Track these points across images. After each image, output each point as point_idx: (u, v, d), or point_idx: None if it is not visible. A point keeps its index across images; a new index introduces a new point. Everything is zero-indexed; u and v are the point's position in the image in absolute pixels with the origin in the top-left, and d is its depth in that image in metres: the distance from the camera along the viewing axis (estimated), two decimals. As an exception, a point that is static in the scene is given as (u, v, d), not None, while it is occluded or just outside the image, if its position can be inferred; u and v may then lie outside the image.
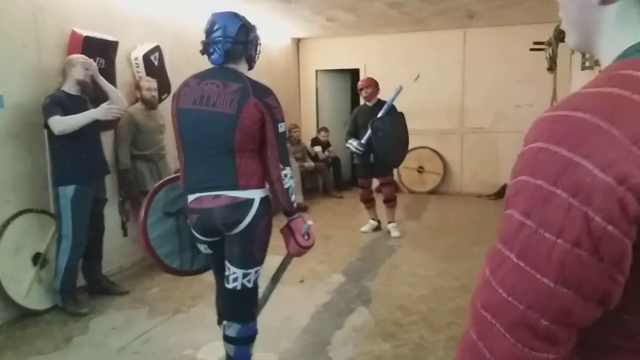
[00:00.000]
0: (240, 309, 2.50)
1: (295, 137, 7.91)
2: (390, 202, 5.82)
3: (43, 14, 3.83)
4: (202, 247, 2.54)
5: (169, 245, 2.64)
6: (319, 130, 8.78)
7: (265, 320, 3.51)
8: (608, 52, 0.72)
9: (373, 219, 6.03)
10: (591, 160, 0.58)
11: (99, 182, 3.93)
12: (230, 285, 2.42)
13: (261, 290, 2.66)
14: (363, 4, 6.09)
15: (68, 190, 3.64)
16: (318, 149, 8.48)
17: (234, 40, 2.34)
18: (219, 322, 2.69)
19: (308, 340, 3.29)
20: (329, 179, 8.47)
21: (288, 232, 2.46)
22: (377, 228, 6.02)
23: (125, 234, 4.69)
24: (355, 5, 6.16)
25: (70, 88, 3.69)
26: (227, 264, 2.43)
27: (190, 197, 2.41)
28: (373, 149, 5.41)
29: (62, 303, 3.71)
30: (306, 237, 2.44)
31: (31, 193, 3.73)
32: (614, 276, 0.61)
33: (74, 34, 3.98)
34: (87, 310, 3.74)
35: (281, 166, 2.34)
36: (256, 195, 2.36)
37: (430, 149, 8.36)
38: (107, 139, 4.47)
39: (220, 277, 2.54)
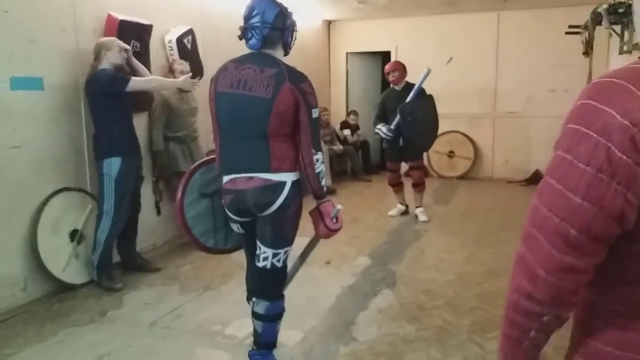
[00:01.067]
0: (269, 287, 2.58)
1: (324, 120, 7.92)
2: (419, 186, 5.80)
3: (80, -1, 3.94)
4: (235, 227, 2.62)
5: (204, 224, 2.73)
6: (348, 114, 8.79)
7: (291, 299, 3.58)
8: None
9: (401, 203, 6.03)
10: (614, 109, 0.79)
11: (137, 159, 4.05)
12: (260, 264, 2.51)
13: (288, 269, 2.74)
14: (395, -14, 6.04)
15: (114, 163, 3.73)
16: (347, 132, 8.49)
17: (271, 26, 2.38)
18: (248, 299, 2.78)
19: (333, 320, 3.36)
20: (357, 162, 8.48)
21: (317, 215, 2.51)
22: (405, 212, 6.01)
23: (158, 213, 4.83)
24: (387, -13, 6.11)
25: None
26: (258, 243, 2.51)
27: (225, 179, 2.48)
28: (402, 133, 5.39)
29: (98, 278, 3.86)
30: (335, 220, 2.49)
31: (69, 172, 3.88)
32: (628, 197, 0.80)
33: (109, 18, 4.08)
34: (120, 285, 3.88)
35: (313, 151, 2.39)
36: (288, 178, 2.41)
37: (462, 133, 8.28)
38: (141, 120, 4.59)
39: (251, 255, 2.62)
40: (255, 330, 2.63)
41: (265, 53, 2.43)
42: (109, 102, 3.70)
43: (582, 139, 0.82)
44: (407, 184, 5.93)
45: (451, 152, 8.36)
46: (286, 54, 2.55)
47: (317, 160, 2.41)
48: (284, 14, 2.44)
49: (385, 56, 8.94)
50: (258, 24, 2.38)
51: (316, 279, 3.88)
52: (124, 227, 4.03)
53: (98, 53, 3.75)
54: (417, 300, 3.62)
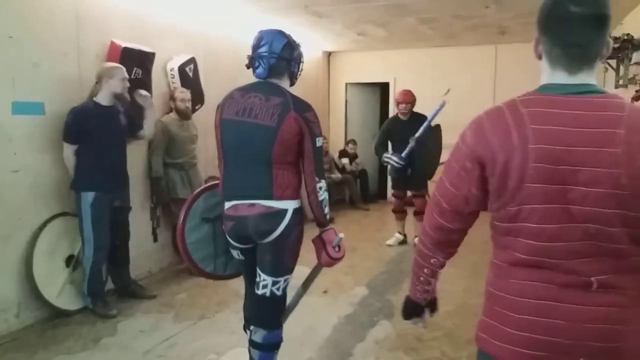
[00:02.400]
0: (267, 316, 2.56)
1: (323, 148, 7.94)
2: (421, 214, 5.59)
3: (84, 25, 3.99)
4: (235, 253, 2.62)
5: (204, 250, 2.72)
6: (347, 143, 8.84)
7: (287, 329, 3.54)
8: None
9: (400, 233, 6.00)
10: (464, 143, 1.36)
11: (119, 192, 3.95)
12: (259, 292, 2.49)
13: (290, 297, 2.71)
14: (394, 19, 6.14)
15: (88, 197, 3.69)
16: (345, 160, 8.52)
17: (278, 56, 2.43)
18: (246, 328, 2.74)
19: (330, 351, 3.31)
20: (355, 191, 8.49)
21: (320, 242, 2.49)
22: (403, 242, 5.99)
23: (155, 239, 4.80)
24: (386, 20, 6.22)
25: (103, 98, 3.76)
26: (258, 271, 2.50)
27: (227, 205, 2.49)
28: (413, 163, 5.42)
29: (92, 305, 3.82)
30: (337, 249, 2.48)
31: (67, 197, 3.86)
32: (471, 189, 1.31)
33: (113, 45, 4.13)
34: (115, 312, 3.83)
35: (317, 179, 2.41)
36: (289, 206, 2.42)
37: (459, 164, 8.29)
38: (140, 147, 4.61)
39: (251, 283, 2.61)
40: (251, 358, 2.60)
41: (272, 82, 2.47)
42: (78, 137, 3.68)
43: (455, 151, 1.41)
44: (409, 213, 5.90)
45: (449, 182, 8.37)
46: (292, 84, 2.60)
47: (321, 188, 2.43)
48: (291, 45, 2.50)
49: (383, 87, 9.05)
50: (265, 54, 2.43)
51: (313, 308, 3.84)
52: (114, 255, 4.01)
53: (100, 79, 3.76)
54: (415, 332, 3.57)
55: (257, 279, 2.50)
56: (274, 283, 2.47)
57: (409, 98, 5.66)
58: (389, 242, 5.97)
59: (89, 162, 3.71)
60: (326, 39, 7.58)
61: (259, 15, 5.77)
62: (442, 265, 1.47)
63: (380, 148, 5.70)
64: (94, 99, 3.76)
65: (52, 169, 3.77)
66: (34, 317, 3.64)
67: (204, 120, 5.37)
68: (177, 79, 4.86)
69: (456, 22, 6.32)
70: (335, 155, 8.56)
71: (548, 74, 1.27)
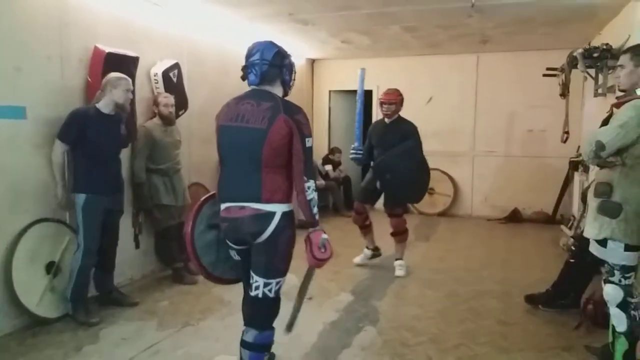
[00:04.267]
0: (259, 316, 2.60)
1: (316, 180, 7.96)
2: (398, 235, 5.15)
3: (68, 29, 3.95)
4: (232, 253, 2.71)
5: (210, 255, 2.77)
6: (332, 151, 8.87)
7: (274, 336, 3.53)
8: None
9: (368, 247, 5.42)
10: None
11: (111, 195, 3.93)
12: (252, 293, 2.55)
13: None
14: (378, 27, 6.20)
15: (79, 198, 3.72)
16: (329, 167, 8.54)
17: (269, 63, 2.54)
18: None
19: (316, 358, 3.30)
20: (339, 198, 8.51)
21: (307, 243, 2.52)
22: (375, 256, 5.44)
23: (137, 246, 4.74)
24: (371, 28, 6.27)
25: (105, 106, 3.77)
26: (251, 272, 2.56)
27: (222, 206, 2.59)
28: (382, 175, 4.89)
29: (73, 312, 3.75)
30: (323, 249, 2.49)
31: (49, 202, 3.80)
32: None
33: (96, 50, 4.09)
34: (97, 320, 3.76)
35: (305, 179, 2.46)
36: (278, 209, 2.49)
37: (441, 171, 8.37)
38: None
39: (247, 283, 2.66)
40: (241, 358, 2.62)
41: (264, 89, 2.57)
42: (73, 138, 3.68)
43: None
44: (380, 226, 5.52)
45: (431, 189, 8.41)
46: (285, 93, 2.67)
47: (309, 188, 2.46)
48: (281, 54, 2.61)
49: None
50: (257, 61, 2.54)
51: (299, 315, 3.81)
52: (101, 260, 3.95)
53: (104, 87, 3.78)
54: (400, 337, 3.58)
55: (251, 281, 2.55)
56: (266, 285, 2.52)
57: (392, 97, 5.04)
58: (356, 260, 5.41)
59: (85, 165, 3.73)
60: (310, 46, 7.61)
61: (244, 22, 5.78)
62: None
63: (366, 157, 5.16)
64: (96, 105, 3.77)
65: (33, 174, 3.71)
66: (12, 325, 3.55)
67: (188, 125, 5.36)
68: (160, 84, 4.83)
69: (439, 31, 6.39)
70: (319, 162, 8.57)
71: None
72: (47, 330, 3.61)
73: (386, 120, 5.15)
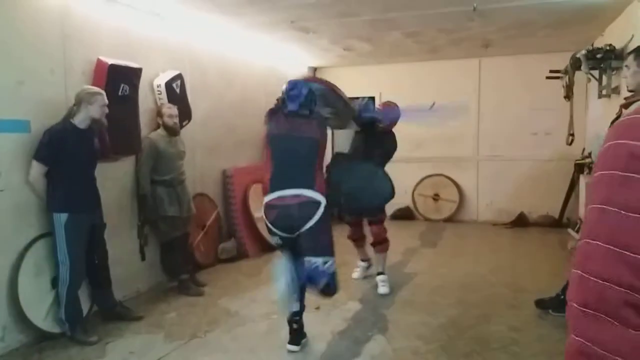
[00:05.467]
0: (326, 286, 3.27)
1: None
2: (379, 244, 4.87)
3: (70, 42, 3.95)
4: (275, 239, 3.33)
5: None
6: (334, 157, 8.83)
7: (281, 347, 3.50)
8: None
9: (363, 260, 5.23)
10: None
11: (93, 211, 3.85)
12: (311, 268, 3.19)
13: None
14: (380, 33, 6.19)
15: (62, 217, 3.59)
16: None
17: (305, 97, 3.36)
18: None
19: (325, 368, 3.26)
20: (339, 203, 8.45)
21: None
22: (369, 266, 5.25)
23: (143, 258, 4.72)
24: (372, 35, 6.26)
25: (80, 122, 3.66)
26: (306, 258, 3.19)
27: (272, 196, 3.23)
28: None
29: (71, 332, 3.66)
30: None
31: (50, 219, 3.75)
32: None
33: (99, 62, 4.09)
34: (95, 339, 3.67)
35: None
36: (323, 200, 3.22)
37: (446, 176, 8.34)
38: (127, 164, 4.55)
39: (292, 260, 3.27)
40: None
41: (302, 113, 3.36)
42: (52, 158, 3.57)
43: (624, 184, 0.68)
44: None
45: (436, 195, 8.41)
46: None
47: None
48: (312, 91, 3.44)
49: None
50: (296, 95, 3.35)
51: (307, 324, 3.77)
52: (95, 277, 3.91)
53: (80, 101, 3.65)
54: (411, 345, 3.54)
55: (308, 264, 3.17)
56: (324, 263, 3.16)
57: (390, 108, 4.83)
58: (354, 275, 5.21)
59: (62, 183, 3.60)
60: (312, 54, 7.61)
61: (246, 31, 5.78)
62: None
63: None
64: (72, 120, 3.65)
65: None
66: (19, 341, 3.53)
67: (192, 136, 5.35)
68: (164, 95, 4.83)
69: (441, 36, 6.38)
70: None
71: None
72: (53, 345, 3.58)
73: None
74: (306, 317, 3.91)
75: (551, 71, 6.37)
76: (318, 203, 3.18)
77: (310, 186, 3.19)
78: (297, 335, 3.49)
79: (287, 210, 3.16)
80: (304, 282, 3.30)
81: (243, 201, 6.25)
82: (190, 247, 5.05)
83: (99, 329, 3.85)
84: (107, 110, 3.77)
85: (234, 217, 6.15)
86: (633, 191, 0.65)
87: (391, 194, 4.46)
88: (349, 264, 5.45)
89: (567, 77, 5.86)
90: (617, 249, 0.65)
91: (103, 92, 3.78)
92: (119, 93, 4.09)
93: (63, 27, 3.90)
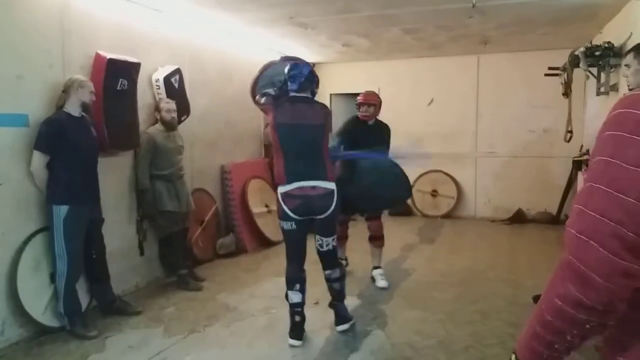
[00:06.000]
0: (334, 259, 3.65)
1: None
2: (377, 240, 4.94)
3: (69, 36, 3.94)
4: (289, 225, 3.43)
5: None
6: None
7: (280, 342, 3.51)
8: None
9: (341, 259, 4.76)
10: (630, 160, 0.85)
11: (93, 205, 3.85)
12: (324, 249, 3.55)
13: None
14: (378, 30, 6.18)
15: (61, 210, 3.59)
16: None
17: (306, 77, 3.45)
18: (291, 289, 3.55)
19: (324, 362, 3.27)
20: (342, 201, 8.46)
21: None
22: (347, 265, 5.13)
23: (142, 253, 4.72)
24: (371, 31, 6.26)
25: (72, 109, 3.67)
26: (318, 237, 3.53)
27: (291, 186, 3.35)
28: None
29: (70, 326, 3.66)
30: None
31: (49, 212, 3.76)
32: None
33: (98, 57, 4.08)
34: (95, 333, 3.68)
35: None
36: (335, 187, 3.41)
37: (444, 172, 8.36)
38: (125, 159, 4.54)
39: (300, 248, 3.54)
40: (335, 289, 3.69)
41: (304, 96, 3.47)
42: (53, 147, 3.57)
43: (629, 144, 0.84)
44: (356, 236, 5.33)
45: (434, 191, 8.42)
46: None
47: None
48: (313, 72, 3.56)
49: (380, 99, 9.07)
50: (297, 74, 3.44)
51: (306, 320, 3.79)
52: (93, 271, 3.92)
53: (69, 88, 3.66)
54: (409, 340, 3.55)
55: (319, 242, 3.54)
56: (333, 239, 3.54)
57: (372, 98, 4.87)
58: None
59: (63, 174, 3.61)
60: (311, 50, 7.60)
61: (245, 26, 5.77)
62: (603, 331, 0.93)
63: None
64: (64, 109, 3.67)
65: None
66: (18, 335, 3.53)
67: (190, 131, 5.34)
68: (162, 90, 4.82)
69: (440, 33, 6.38)
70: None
71: None
72: (52, 339, 3.59)
73: (368, 122, 4.89)
74: (305, 312, 3.92)
75: (550, 68, 6.38)
76: (333, 192, 3.38)
77: (324, 177, 3.35)
78: (299, 328, 3.54)
79: (308, 200, 3.34)
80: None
81: (241, 196, 6.25)
82: (188, 242, 5.06)
83: (99, 323, 3.86)
84: (94, 98, 3.78)
85: (233, 213, 6.15)
86: (634, 150, 0.84)
87: (409, 195, 5.01)
88: (348, 260, 5.46)
89: (566, 74, 5.86)
90: (615, 192, 0.84)
91: (90, 82, 3.80)
92: (118, 87, 4.08)
93: (62, 22, 3.89)
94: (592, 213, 0.86)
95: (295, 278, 3.54)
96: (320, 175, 3.36)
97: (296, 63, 3.53)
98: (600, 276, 0.84)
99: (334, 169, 3.53)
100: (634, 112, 0.86)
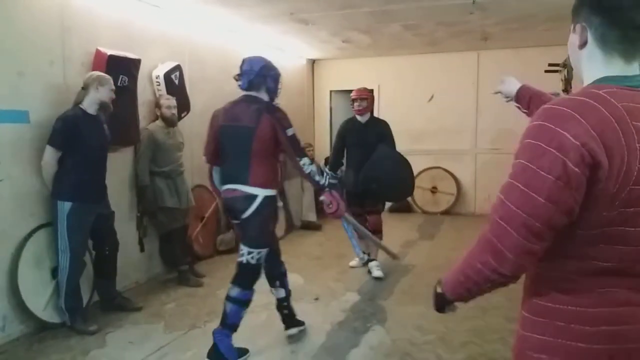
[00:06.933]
0: (242, 278, 3.20)
1: (309, 155, 7.97)
2: (376, 233, 4.88)
3: (70, 33, 3.94)
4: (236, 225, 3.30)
5: None
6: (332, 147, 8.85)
7: (281, 337, 3.53)
8: (586, 80, 1.19)
9: (363, 252, 4.87)
10: (568, 133, 1.03)
11: (99, 201, 3.85)
12: (239, 259, 3.20)
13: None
14: (379, 26, 6.18)
15: (65, 206, 3.59)
16: (329, 166, 8.51)
17: (256, 74, 3.16)
18: (272, 285, 3.51)
19: (324, 358, 3.28)
20: (342, 197, 8.47)
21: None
22: (369, 260, 5.17)
23: (142, 249, 4.73)
24: (371, 27, 6.25)
25: (89, 106, 3.68)
26: (240, 244, 3.23)
27: (224, 187, 3.22)
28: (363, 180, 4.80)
29: (70, 321, 3.67)
30: (330, 206, 3.21)
31: (53, 207, 3.78)
32: (576, 198, 1.05)
33: (98, 53, 4.08)
34: (95, 328, 3.69)
35: (297, 158, 3.11)
36: (260, 192, 3.09)
37: (444, 169, 8.36)
38: (126, 155, 4.55)
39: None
40: (224, 311, 3.18)
41: (251, 95, 3.20)
42: (66, 144, 3.58)
43: (544, 154, 1.05)
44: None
45: (434, 187, 8.43)
46: (271, 99, 3.22)
47: (304, 164, 3.11)
48: (267, 66, 3.22)
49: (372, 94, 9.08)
50: (247, 71, 3.18)
51: (305, 315, 3.80)
52: (101, 266, 3.93)
53: (89, 85, 3.67)
54: (409, 336, 3.57)
55: (240, 250, 3.19)
56: (249, 253, 3.14)
57: (364, 93, 5.06)
58: (352, 263, 5.32)
59: (72, 171, 3.61)
60: (311, 46, 7.60)
61: (245, 22, 5.77)
62: (507, 285, 1.19)
63: (336, 153, 5.21)
64: (81, 106, 3.68)
65: (37, 178, 3.69)
66: (19, 331, 3.55)
67: (190, 127, 5.34)
68: (162, 87, 4.82)
69: (440, 29, 6.38)
70: (322, 163, 8.54)
71: (601, 63, 1.15)
72: (53, 335, 3.60)
73: (359, 118, 5.08)
74: (305, 308, 3.95)
75: (550, 64, 6.37)
76: (253, 196, 3.07)
77: (243, 181, 3.08)
78: (290, 319, 3.58)
79: (230, 202, 3.19)
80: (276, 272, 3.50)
81: (242, 193, 6.25)
82: (189, 238, 5.07)
83: (99, 319, 3.87)
84: (114, 96, 3.79)
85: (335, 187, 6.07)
86: (547, 159, 1.04)
87: (411, 192, 5.28)
88: (346, 255, 5.48)
89: (566, 70, 5.86)
90: (529, 192, 1.06)
91: (111, 78, 3.81)
92: (118, 84, 4.08)
93: (62, 19, 3.89)
94: (510, 205, 1.09)
95: (275, 274, 3.50)
96: (242, 179, 3.09)
97: (248, 58, 3.25)
98: (512, 254, 1.08)
99: (267, 174, 3.12)
100: (551, 127, 1.05)
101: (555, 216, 1.06)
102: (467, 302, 1.35)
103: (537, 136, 1.07)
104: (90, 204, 3.73)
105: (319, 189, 3.23)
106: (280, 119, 3.08)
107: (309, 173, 3.11)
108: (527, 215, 1.06)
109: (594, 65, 1.17)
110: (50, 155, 3.58)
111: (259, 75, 3.17)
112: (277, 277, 3.51)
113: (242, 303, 3.19)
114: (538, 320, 1.21)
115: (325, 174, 3.22)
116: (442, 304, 1.41)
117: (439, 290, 1.38)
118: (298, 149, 3.11)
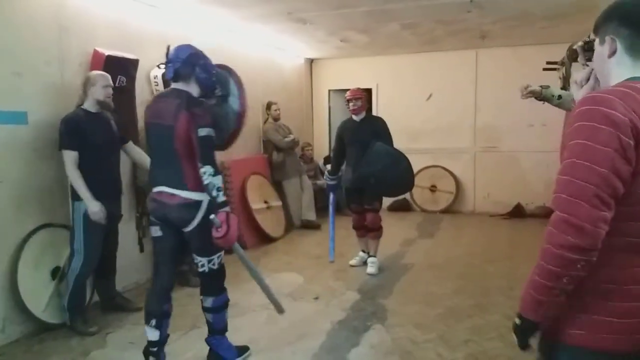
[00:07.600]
0: (211, 286, 3.07)
1: (308, 155, 7.98)
2: (374, 231, 5.13)
3: (67, 33, 3.94)
4: (155, 230, 2.95)
5: None
6: (332, 149, 8.85)
7: (280, 335, 3.53)
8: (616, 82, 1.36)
9: (363, 251, 5.39)
10: (617, 111, 1.21)
11: (114, 201, 3.89)
12: (200, 270, 3.01)
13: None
14: (377, 25, 6.18)
15: (82, 206, 3.61)
16: (330, 167, 8.50)
17: (182, 62, 2.82)
18: (147, 322, 3.04)
19: (324, 358, 3.27)
20: (341, 197, 8.46)
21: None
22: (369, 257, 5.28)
23: (141, 249, 4.72)
24: (369, 26, 6.25)
25: (90, 106, 3.69)
26: (193, 255, 2.98)
27: (154, 189, 2.90)
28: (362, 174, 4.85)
29: (71, 321, 3.68)
30: (219, 229, 2.66)
31: (52, 207, 3.79)
32: (629, 169, 1.21)
33: (96, 53, 4.08)
34: (95, 329, 3.69)
35: (200, 165, 2.67)
36: (204, 197, 2.78)
37: (443, 167, 8.37)
38: (125, 155, 4.53)
39: (167, 263, 3.02)
40: (207, 321, 3.13)
41: (177, 88, 2.86)
42: (75, 143, 3.57)
43: (600, 131, 1.21)
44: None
45: (433, 186, 8.43)
46: (203, 93, 2.92)
47: (204, 173, 2.64)
48: (197, 55, 2.89)
49: (367, 93, 9.08)
50: (173, 59, 2.85)
51: (305, 315, 3.81)
52: (101, 265, 3.92)
53: (84, 86, 3.69)
54: (409, 334, 3.57)
55: (195, 261, 2.98)
56: (209, 261, 2.96)
57: (358, 93, 5.12)
58: (352, 262, 5.35)
59: (85, 170, 3.61)
60: (309, 46, 7.60)
61: (242, 22, 5.76)
62: (589, 269, 1.25)
63: (336, 154, 5.33)
64: (82, 107, 3.69)
65: (36, 179, 3.69)
66: (19, 332, 3.54)
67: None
68: (160, 87, 4.79)
69: (438, 27, 6.38)
70: (320, 162, 8.55)
71: (630, 67, 1.35)
72: (53, 336, 3.59)
73: (355, 117, 5.15)
74: (305, 307, 3.95)
75: (548, 62, 6.36)
76: (198, 203, 2.79)
77: (182, 185, 2.78)
78: None
79: (164, 208, 2.83)
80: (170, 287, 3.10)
81: (241, 193, 6.26)
82: (188, 238, 5.05)
83: (99, 319, 3.87)
84: (111, 92, 3.77)
85: (232, 209, 6.14)
86: (603, 135, 1.20)
87: (411, 187, 5.26)
88: (345, 255, 5.49)
89: (564, 68, 5.86)
90: (593, 165, 1.20)
91: (106, 74, 3.78)
92: (116, 84, 4.07)
93: (59, 19, 3.89)
94: (578, 181, 1.22)
95: (153, 310, 3.01)
96: (178, 182, 2.78)
97: (176, 46, 2.91)
98: (590, 224, 1.19)
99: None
100: (601, 109, 1.22)
101: (618, 185, 1.20)
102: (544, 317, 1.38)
103: (590, 118, 1.23)
104: (105, 202, 3.70)
105: (215, 207, 2.69)
106: (197, 115, 2.70)
107: (207, 185, 2.65)
108: (595, 187, 1.19)
109: (623, 69, 1.36)
110: (68, 159, 3.56)
111: (186, 64, 2.82)
112: (156, 314, 3.02)
113: (221, 308, 3.11)
114: (590, 301, 1.32)
115: (219, 191, 2.65)
116: (526, 333, 1.43)
117: (517, 321, 1.42)
118: (205, 154, 2.68)
